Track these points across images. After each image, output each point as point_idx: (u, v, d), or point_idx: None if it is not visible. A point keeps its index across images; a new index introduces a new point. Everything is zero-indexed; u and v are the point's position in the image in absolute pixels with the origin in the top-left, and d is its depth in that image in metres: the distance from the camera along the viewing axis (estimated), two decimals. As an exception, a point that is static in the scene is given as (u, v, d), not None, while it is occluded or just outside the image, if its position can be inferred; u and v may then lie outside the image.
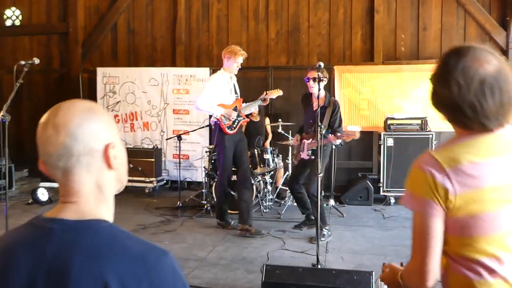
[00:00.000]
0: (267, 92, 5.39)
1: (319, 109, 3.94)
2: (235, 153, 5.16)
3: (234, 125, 5.10)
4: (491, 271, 1.30)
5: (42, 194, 6.54)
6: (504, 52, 6.95)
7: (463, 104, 1.30)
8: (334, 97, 7.16)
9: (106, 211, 1.02)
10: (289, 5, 7.75)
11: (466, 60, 1.31)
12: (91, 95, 8.19)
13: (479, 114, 1.29)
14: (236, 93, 5.28)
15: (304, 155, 4.92)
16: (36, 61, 4.25)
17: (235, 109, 5.15)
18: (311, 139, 4.86)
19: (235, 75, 5.41)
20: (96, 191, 1.01)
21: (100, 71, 7.96)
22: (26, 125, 8.58)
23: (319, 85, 3.96)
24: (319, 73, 3.98)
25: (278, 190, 6.60)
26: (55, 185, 8.28)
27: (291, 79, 7.68)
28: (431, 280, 1.33)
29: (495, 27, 7.00)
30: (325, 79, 4.63)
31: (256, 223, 5.39)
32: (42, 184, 8.18)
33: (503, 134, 1.34)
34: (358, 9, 7.53)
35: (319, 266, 3.79)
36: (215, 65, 7.94)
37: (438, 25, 7.27)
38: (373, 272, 2.97)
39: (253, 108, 5.51)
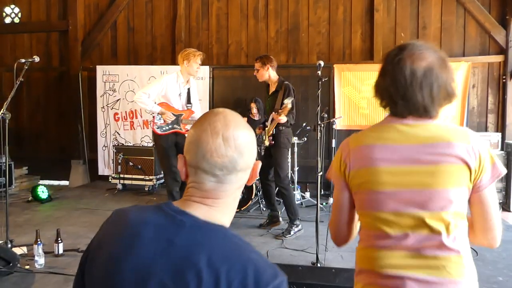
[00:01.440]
0: None
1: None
2: (177, 150, 5.03)
3: (164, 128, 4.99)
4: (380, 242, 1.43)
5: (42, 192, 6.55)
6: (504, 51, 6.97)
7: (395, 94, 1.43)
8: (334, 95, 7.18)
9: (229, 221, 1.06)
10: (288, 3, 7.75)
11: (403, 54, 1.43)
12: (91, 93, 8.20)
13: (409, 104, 1.41)
14: (189, 101, 5.15)
15: (267, 141, 4.94)
16: (36, 59, 4.26)
17: (178, 115, 5.05)
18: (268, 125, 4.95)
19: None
20: (232, 202, 1.06)
21: (100, 69, 7.97)
22: (26, 123, 8.60)
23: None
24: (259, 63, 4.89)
25: (277, 188, 6.59)
26: (54, 182, 8.33)
27: (290, 77, 7.64)
28: (337, 241, 1.62)
29: (495, 26, 7.01)
30: (265, 66, 4.92)
31: (255, 221, 5.40)
32: (41, 181, 8.21)
33: (426, 125, 1.43)
34: (358, 8, 7.53)
35: (318, 265, 3.80)
36: (215, 64, 7.95)
37: (438, 24, 7.28)
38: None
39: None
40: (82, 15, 8.42)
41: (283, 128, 4.84)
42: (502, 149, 6.64)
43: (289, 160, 6.53)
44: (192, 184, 1.04)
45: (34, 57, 4.25)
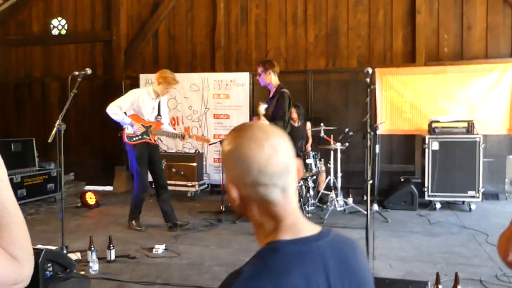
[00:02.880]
0: (196, 135, 5.84)
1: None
2: (150, 160, 5.44)
3: (134, 139, 5.32)
4: None
5: (90, 198, 6.76)
6: (554, 51, 6.70)
7: None
8: (375, 100, 7.09)
9: None
10: (328, 8, 7.72)
11: None
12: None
13: None
14: (159, 114, 5.47)
15: None
16: (89, 71, 4.43)
17: (148, 127, 5.37)
18: None
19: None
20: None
21: (143, 77, 8.17)
22: (72, 130, 8.89)
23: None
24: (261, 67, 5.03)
25: (320, 194, 6.58)
26: (99, 188, 8.57)
27: (330, 82, 7.66)
28: (507, 256, 1.33)
29: (545, 25, 6.75)
30: (267, 71, 5.05)
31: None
32: (87, 187, 8.48)
33: None
34: (399, 10, 7.41)
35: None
36: (254, 70, 7.98)
37: (483, 24, 7.07)
38: (428, 282, 2.93)
39: (167, 136, 5.79)
40: (125, 25, 8.67)
41: None
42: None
43: (332, 165, 6.49)
44: (265, 205, 1.02)
45: (86, 69, 4.41)
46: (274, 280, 0.90)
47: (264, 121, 4.53)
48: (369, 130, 3.54)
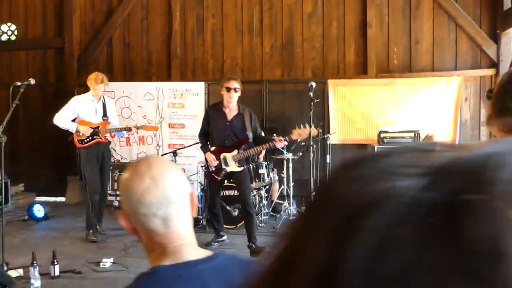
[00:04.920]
0: (143, 125, 5.99)
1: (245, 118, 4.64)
2: (101, 162, 5.65)
3: (86, 140, 5.55)
4: None
5: (38, 211, 6.55)
6: (495, 65, 7.06)
7: None
8: (329, 110, 7.24)
9: None
10: (283, 19, 7.84)
11: None
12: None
13: None
14: (106, 115, 5.71)
15: (234, 168, 4.82)
16: (32, 81, 4.32)
17: (95, 128, 5.59)
18: (236, 150, 4.83)
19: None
20: (192, 231, 1.14)
21: (96, 85, 8.00)
22: (22, 139, 8.61)
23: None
24: (235, 82, 4.77)
25: (273, 204, 6.64)
26: (50, 199, 8.32)
27: (286, 92, 7.75)
28: None
29: (486, 40, 7.10)
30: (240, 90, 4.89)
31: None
32: (38, 198, 8.21)
33: None
34: (351, 23, 7.62)
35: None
36: (211, 79, 8.01)
37: (430, 39, 7.37)
38: None
39: (116, 132, 5.87)
40: (78, 32, 8.49)
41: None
42: None
43: (285, 175, 6.57)
44: (149, 233, 1.08)
45: (30, 79, 4.31)
46: None
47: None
48: (311, 143, 3.62)
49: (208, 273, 1.03)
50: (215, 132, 4.93)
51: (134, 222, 1.08)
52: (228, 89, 4.78)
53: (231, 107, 4.89)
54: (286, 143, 4.68)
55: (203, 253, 1.10)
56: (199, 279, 1.01)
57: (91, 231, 5.54)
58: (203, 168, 5.67)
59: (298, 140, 6.45)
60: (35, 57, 8.71)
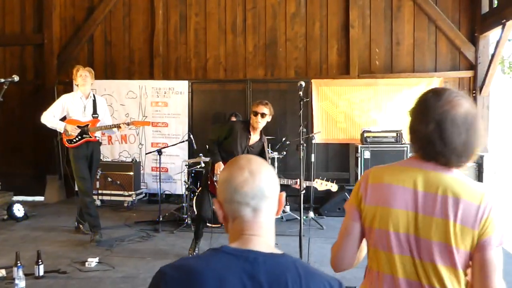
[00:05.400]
0: (133, 121, 5.68)
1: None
2: (89, 160, 5.50)
3: (74, 140, 5.37)
4: (383, 283, 1.51)
5: (18, 210, 6.40)
6: (473, 67, 7.26)
7: (435, 139, 1.44)
8: (312, 110, 7.31)
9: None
10: (266, 19, 7.87)
11: (442, 100, 1.46)
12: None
13: (448, 150, 1.43)
14: (96, 112, 5.50)
15: None
16: (16, 78, 4.21)
17: (84, 127, 5.39)
18: None
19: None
20: (272, 228, 1.22)
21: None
22: (0, 137, 8.40)
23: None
24: (265, 107, 4.51)
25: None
26: (28, 198, 8.14)
27: (269, 91, 7.79)
28: (338, 267, 1.64)
29: (465, 43, 7.29)
30: (270, 116, 4.63)
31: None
32: (15, 197, 8.02)
33: (445, 175, 1.46)
34: (334, 24, 7.71)
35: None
36: (193, 78, 7.98)
37: (411, 40, 7.52)
38: (356, 287, 3.06)
39: (106, 131, 5.61)
40: (58, 28, 8.33)
41: None
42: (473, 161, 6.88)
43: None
44: (237, 220, 1.18)
45: (13, 76, 4.19)
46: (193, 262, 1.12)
47: None
48: (302, 141, 3.66)
49: (258, 266, 1.10)
50: (233, 149, 4.61)
51: (227, 209, 1.18)
52: (255, 114, 4.54)
53: (255, 132, 4.68)
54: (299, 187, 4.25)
55: (270, 249, 1.16)
56: (251, 267, 1.09)
57: (81, 226, 5.66)
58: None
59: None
60: (13, 54, 8.51)
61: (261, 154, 4.64)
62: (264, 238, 1.18)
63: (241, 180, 1.16)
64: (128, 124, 5.42)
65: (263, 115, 4.52)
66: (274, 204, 1.20)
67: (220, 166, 4.58)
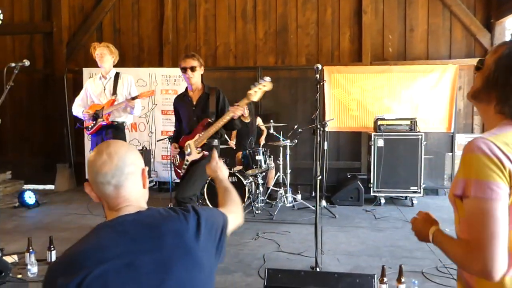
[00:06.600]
0: (140, 93, 5.08)
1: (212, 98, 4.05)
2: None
3: (90, 127, 5.10)
4: None
5: (29, 197, 6.40)
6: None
7: None
8: (324, 97, 7.20)
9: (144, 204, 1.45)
10: (277, 5, 7.75)
11: None
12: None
13: None
14: (115, 92, 5.05)
15: (194, 155, 4.10)
16: (27, 62, 4.17)
17: (97, 111, 5.04)
18: (197, 135, 4.11)
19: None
20: (141, 197, 1.44)
21: (86, 71, 7.81)
22: (9, 126, 8.38)
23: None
24: (192, 60, 4.05)
25: (269, 191, 6.60)
26: (39, 187, 8.15)
27: (280, 79, 7.68)
28: (499, 272, 1.21)
29: (480, 29, 7.13)
30: (201, 66, 4.19)
31: (248, 225, 5.38)
32: (25, 186, 8.03)
33: None
34: (346, 10, 7.57)
35: (317, 269, 3.80)
36: (203, 66, 7.87)
37: (425, 26, 7.36)
38: (375, 275, 2.99)
39: (118, 112, 5.05)
40: (66, 17, 8.27)
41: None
42: None
43: (281, 162, 6.53)
44: (104, 198, 1.40)
45: (24, 60, 4.14)
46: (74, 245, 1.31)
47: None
48: (319, 126, 3.57)
49: (131, 223, 1.30)
50: (184, 122, 4.27)
51: (96, 189, 1.37)
52: (184, 70, 4.11)
53: (196, 90, 4.25)
54: (243, 109, 3.94)
55: (138, 209, 1.37)
56: (121, 226, 1.30)
57: None
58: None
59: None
60: (22, 42, 8.47)
61: (217, 103, 4.19)
62: (132, 207, 1.36)
63: (100, 163, 1.34)
64: (134, 98, 4.94)
65: (192, 68, 4.08)
66: (137, 178, 1.39)
67: (172, 146, 4.29)
